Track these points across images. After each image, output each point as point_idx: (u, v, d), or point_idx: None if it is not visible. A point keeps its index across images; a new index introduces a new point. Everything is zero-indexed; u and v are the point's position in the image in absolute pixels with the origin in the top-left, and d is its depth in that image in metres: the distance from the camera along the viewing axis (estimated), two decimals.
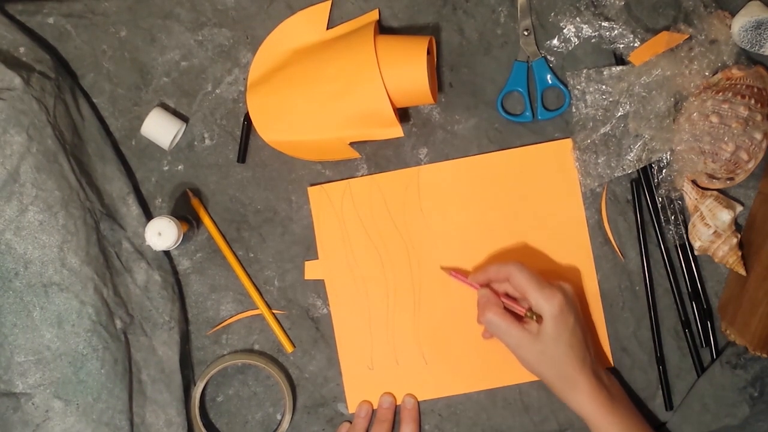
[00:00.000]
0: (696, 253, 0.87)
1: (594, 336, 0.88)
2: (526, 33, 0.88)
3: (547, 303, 0.79)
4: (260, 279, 0.89)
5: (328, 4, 0.88)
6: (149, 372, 0.84)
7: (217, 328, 0.89)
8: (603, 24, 0.86)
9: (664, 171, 0.86)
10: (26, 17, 0.88)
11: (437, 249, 0.89)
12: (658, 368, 0.88)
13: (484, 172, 0.89)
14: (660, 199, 0.88)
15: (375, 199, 0.89)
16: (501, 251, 0.88)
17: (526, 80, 0.88)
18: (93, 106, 0.88)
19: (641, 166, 0.86)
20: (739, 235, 0.86)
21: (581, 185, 0.88)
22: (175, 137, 0.88)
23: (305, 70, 0.85)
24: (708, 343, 0.88)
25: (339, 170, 0.89)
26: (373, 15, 0.88)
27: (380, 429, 0.87)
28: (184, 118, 0.89)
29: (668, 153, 0.86)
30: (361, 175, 0.89)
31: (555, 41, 0.88)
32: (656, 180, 0.87)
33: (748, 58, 0.87)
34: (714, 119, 0.82)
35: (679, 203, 0.88)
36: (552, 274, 0.88)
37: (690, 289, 0.88)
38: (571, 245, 0.88)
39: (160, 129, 0.86)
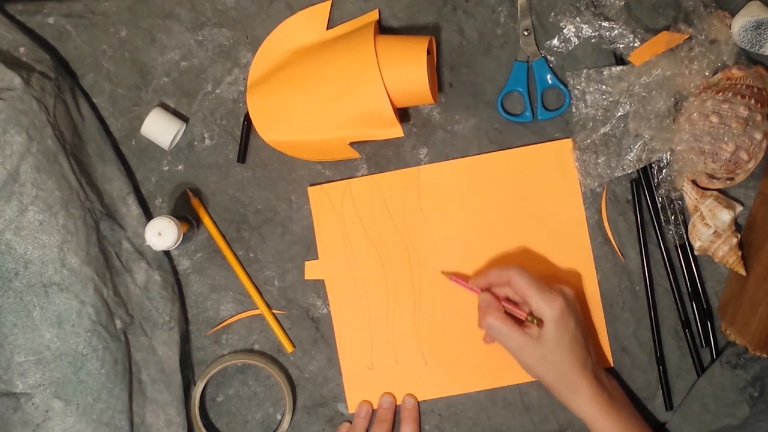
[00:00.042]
0: (696, 253, 0.87)
1: (594, 337, 0.88)
2: (526, 33, 0.88)
3: (548, 307, 0.79)
4: (260, 279, 0.89)
5: (328, 4, 0.89)
6: (149, 372, 0.84)
7: (217, 328, 0.89)
8: (603, 24, 0.86)
9: (664, 171, 0.86)
10: (26, 17, 0.88)
11: (437, 249, 0.89)
12: (658, 368, 0.88)
13: (484, 172, 0.89)
14: (660, 199, 0.88)
15: (375, 199, 0.89)
16: (501, 251, 0.88)
17: (526, 80, 0.88)
18: (93, 106, 0.88)
19: (641, 166, 0.86)
20: (739, 235, 0.86)
21: (581, 185, 0.88)
22: (175, 137, 0.88)
23: (305, 70, 0.85)
24: (708, 343, 0.88)
25: (339, 170, 0.89)
26: (373, 15, 0.88)
27: (380, 429, 0.87)
28: (184, 118, 0.89)
29: (668, 153, 0.86)
30: (361, 175, 0.89)
31: (555, 41, 0.88)
32: (656, 180, 0.87)
33: (748, 58, 0.87)
34: (714, 119, 0.82)
35: (679, 203, 0.88)
36: (552, 275, 0.88)
37: (690, 289, 0.88)
38: (571, 245, 0.88)
39: (160, 129, 0.86)
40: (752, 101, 0.82)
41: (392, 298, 0.89)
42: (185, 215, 0.88)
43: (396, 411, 0.89)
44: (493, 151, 0.89)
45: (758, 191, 0.88)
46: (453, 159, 0.89)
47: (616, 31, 0.86)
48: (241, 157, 0.89)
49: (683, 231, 0.87)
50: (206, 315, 0.89)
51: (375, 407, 0.89)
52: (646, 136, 0.85)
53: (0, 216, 0.77)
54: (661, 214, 0.88)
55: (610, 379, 0.83)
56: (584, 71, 0.87)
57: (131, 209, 0.85)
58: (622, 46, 0.86)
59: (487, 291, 0.84)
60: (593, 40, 0.88)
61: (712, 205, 0.85)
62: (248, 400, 0.89)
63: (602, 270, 0.89)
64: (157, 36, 0.89)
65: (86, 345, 0.79)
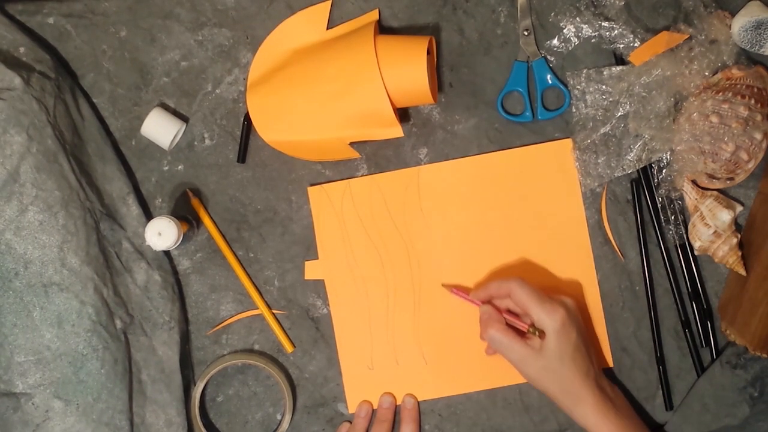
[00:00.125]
0: (696, 253, 0.87)
1: (595, 343, 0.88)
2: (526, 33, 0.88)
3: (549, 318, 0.79)
4: (260, 279, 0.89)
5: (328, 4, 0.89)
6: (149, 372, 0.84)
7: (217, 328, 0.89)
8: (603, 24, 0.86)
9: (664, 171, 0.86)
10: (26, 17, 0.88)
11: (437, 249, 0.89)
12: (658, 368, 0.88)
13: (484, 172, 0.89)
14: (660, 199, 0.88)
15: (375, 199, 0.89)
16: (501, 251, 0.88)
17: (526, 80, 0.88)
18: (93, 106, 0.88)
19: (641, 166, 0.86)
20: (739, 235, 0.86)
21: (581, 185, 0.88)
22: (175, 137, 0.88)
23: (305, 70, 0.85)
24: (708, 343, 0.88)
25: (339, 170, 0.89)
26: (373, 15, 0.88)
27: (380, 429, 0.87)
28: (184, 118, 0.89)
29: (668, 153, 0.86)
30: (361, 175, 0.89)
31: (555, 41, 0.88)
32: (656, 180, 0.87)
33: (748, 58, 0.87)
34: (714, 119, 0.82)
35: (679, 203, 0.88)
36: (552, 276, 0.88)
37: (690, 289, 0.88)
38: (571, 245, 0.88)
39: (160, 129, 0.86)
40: (752, 101, 0.82)
41: (392, 298, 0.89)
42: (185, 215, 0.88)
43: (396, 411, 0.89)
44: (493, 151, 0.89)
45: (758, 191, 0.88)
46: (453, 159, 0.89)
47: (616, 31, 0.86)
48: (241, 157, 0.88)
49: (683, 231, 0.87)
50: (206, 315, 0.89)
51: (375, 407, 0.89)
52: (646, 136, 0.85)
53: (0, 216, 0.77)
54: (661, 214, 0.88)
55: (613, 387, 0.83)
56: (584, 71, 0.87)
57: (131, 209, 0.85)
58: (622, 46, 0.86)
59: (488, 303, 0.84)
60: (593, 40, 0.88)
61: (712, 205, 0.85)
62: (248, 400, 0.89)
63: (602, 270, 0.89)
64: (157, 36, 0.89)
65: (86, 345, 0.79)
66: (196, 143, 0.89)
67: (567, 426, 0.88)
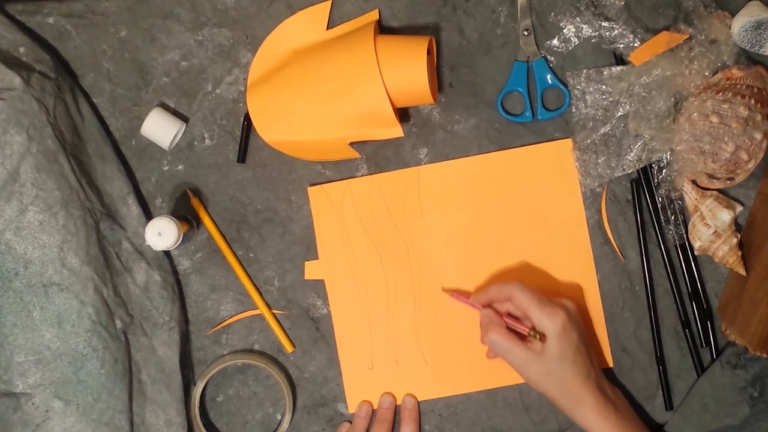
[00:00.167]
0: (696, 253, 0.87)
1: (595, 341, 0.88)
2: (526, 33, 0.88)
3: (549, 321, 0.79)
4: (260, 279, 0.89)
5: (328, 4, 0.89)
6: (149, 372, 0.84)
7: (217, 328, 0.89)
8: (603, 24, 0.86)
9: (664, 171, 0.86)
10: (26, 17, 0.88)
11: (437, 249, 0.89)
12: (658, 368, 0.88)
13: (484, 172, 0.89)
14: (660, 199, 0.88)
15: (375, 199, 0.89)
16: (501, 252, 0.88)
17: (526, 80, 0.88)
18: (93, 106, 0.88)
19: (641, 166, 0.86)
20: (739, 235, 0.86)
21: (581, 185, 0.88)
22: (175, 137, 0.88)
23: (305, 70, 0.85)
24: (708, 343, 0.88)
25: (339, 170, 0.89)
26: (373, 15, 0.88)
27: (380, 429, 0.87)
28: (184, 118, 0.89)
29: (668, 153, 0.86)
30: (361, 175, 0.89)
31: (555, 41, 0.88)
32: (656, 180, 0.87)
33: (748, 58, 0.87)
34: (714, 119, 0.82)
35: (679, 203, 0.88)
36: (552, 277, 0.88)
37: (690, 289, 0.88)
38: (571, 245, 0.88)
39: (160, 129, 0.86)
40: (752, 101, 0.82)
41: (392, 298, 0.89)
42: (185, 215, 0.88)
43: (396, 411, 0.89)
44: (493, 151, 0.89)
45: (758, 191, 0.88)
46: (453, 159, 0.89)
47: (616, 31, 0.86)
48: (241, 157, 0.89)
49: (683, 231, 0.87)
50: (206, 315, 0.89)
51: (375, 407, 0.89)
52: (646, 136, 0.85)
53: (0, 216, 0.77)
54: (661, 214, 0.88)
55: (615, 390, 0.83)
56: (584, 71, 0.87)
57: (131, 209, 0.85)
58: (622, 46, 0.86)
59: (489, 307, 0.84)
60: (593, 40, 0.88)
61: (712, 205, 0.85)
62: (248, 400, 0.89)
63: (602, 270, 0.89)
64: (157, 36, 0.89)
65: (86, 345, 0.79)
66: (196, 143, 0.89)
67: (567, 426, 0.88)
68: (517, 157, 0.88)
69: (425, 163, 0.89)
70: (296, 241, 0.89)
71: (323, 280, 0.89)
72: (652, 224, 0.88)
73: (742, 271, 0.84)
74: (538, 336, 0.80)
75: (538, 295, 0.80)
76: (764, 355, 0.82)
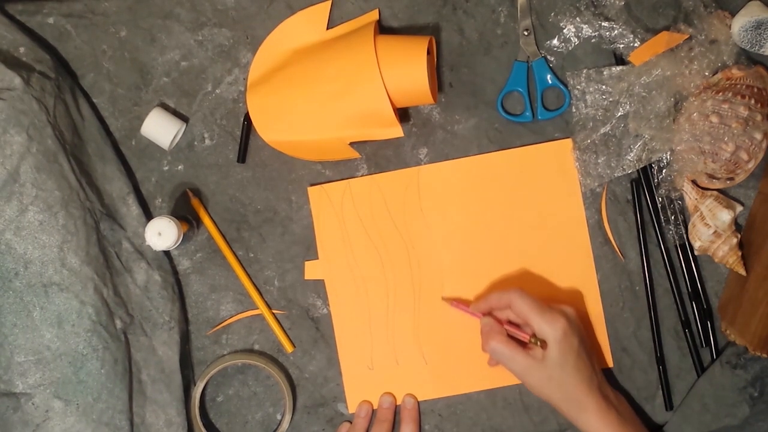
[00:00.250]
0: (696, 253, 0.87)
1: (595, 341, 0.88)
2: (526, 33, 0.88)
3: (550, 328, 0.79)
4: (260, 279, 0.89)
5: (328, 4, 0.89)
6: (149, 372, 0.84)
7: (217, 328, 0.89)
8: (603, 24, 0.86)
9: (664, 171, 0.86)
10: (26, 17, 0.88)
11: (437, 249, 0.89)
12: (658, 368, 0.88)
13: (484, 172, 0.89)
14: (660, 199, 0.88)
15: (375, 199, 0.89)
16: (501, 252, 0.88)
17: (526, 80, 0.88)
18: (93, 106, 0.88)
19: (641, 166, 0.86)
20: (739, 235, 0.86)
21: (581, 185, 0.88)
22: (175, 137, 0.88)
23: (305, 70, 0.85)
24: (708, 343, 0.88)
25: (339, 170, 0.89)
26: (373, 15, 0.89)
27: (380, 429, 0.87)
28: (184, 118, 0.89)
29: (668, 153, 0.86)
30: (361, 175, 0.89)
31: (555, 41, 0.88)
32: (656, 180, 0.87)
33: (748, 58, 0.87)
34: (714, 119, 0.82)
35: (679, 203, 0.88)
36: (552, 277, 0.88)
37: (690, 289, 0.88)
38: (571, 245, 0.88)
39: (160, 129, 0.86)
40: (752, 101, 0.82)
41: (392, 298, 0.89)
42: (185, 215, 0.88)
43: (396, 411, 0.89)
44: (493, 151, 0.89)
45: (758, 191, 0.88)
46: (453, 159, 0.89)
47: (616, 31, 0.86)
48: (241, 157, 0.89)
49: (683, 231, 0.87)
50: (206, 315, 0.89)
51: (375, 407, 0.89)
52: (646, 136, 0.85)
53: (0, 216, 0.77)
54: (661, 214, 0.88)
55: (617, 394, 0.83)
56: (584, 71, 0.87)
57: (131, 209, 0.85)
58: (622, 46, 0.86)
59: (489, 315, 0.84)
60: (593, 40, 0.88)
61: (712, 205, 0.85)
62: (248, 400, 0.89)
63: (602, 270, 0.89)
64: (157, 36, 0.89)
65: (86, 345, 0.79)
66: (196, 143, 0.89)
67: (567, 426, 0.88)
68: (517, 157, 0.88)
69: (425, 163, 0.89)
70: (296, 241, 0.89)
71: (323, 280, 0.89)
72: (652, 224, 0.88)
73: (742, 271, 0.84)
74: (539, 343, 0.80)
75: (538, 302, 0.80)
76: (764, 355, 0.82)
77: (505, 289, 0.82)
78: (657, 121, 0.85)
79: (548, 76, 0.88)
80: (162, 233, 0.80)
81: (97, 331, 0.79)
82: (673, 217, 0.87)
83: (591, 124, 0.87)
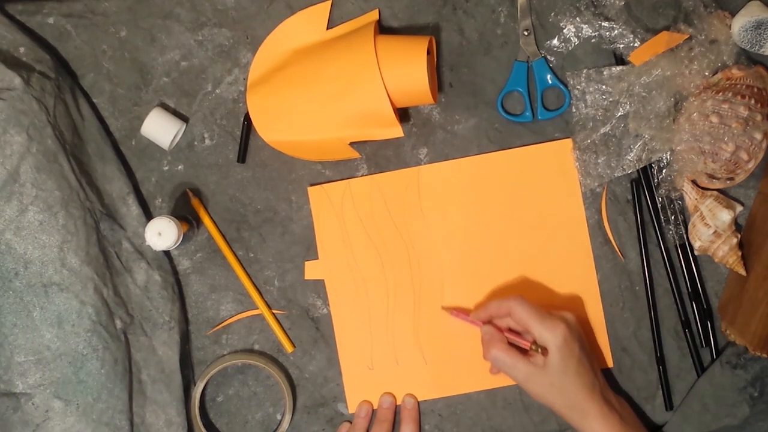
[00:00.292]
0: (696, 253, 0.87)
1: (594, 341, 0.88)
2: (526, 33, 0.88)
3: (550, 334, 0.79)
4: (260, 279, 0.89)
5: (328, 4, 0.89)
6: (149, 372, 0.84)
7: (217, 328, 0.89)
8: (603, 24, 0.86)
9: (664, 171, 0.86)
10: (26, 17, 0.88)
11: (437, 249, 0.89)
12: (658, 368, 0.88)
13: (484, 172, 0.89)
14: (660, 199, 0.88)
15: (375, 199, 0.89)
16: (501, 252, 0.88)
17: (526, 80, 0.88)
18: (93, 106, 0.88)
19: (641, 166, 0.86)
20: (739, 235, 0.86)
21: (581, 185, 0.88)
22: (175, 137, 0.88)
23: (305, 70, 0.85)
24: (708, 343, 0.88)
25: (339, 170, 0.89)
26: (373, 15, 0.89)
27: (380, 429, 0.87)
28: (184, 118, 0.89)
29: (668, 153, 0.86)
30: (361, 175, 0.89)
31: (555, 41, 0.88)
32: (656, 180, 0.87)
33: (748, 58, 0.87)
34: (714, 119, 0.82)
35: (679, 203, 0.88)
36: (552, 277, 0.88)
37: (690, 289, 0.88)
38: (571, 245, 0.88)
39: (160, 129, 0.86)
40: (752, 101, 0.82)
41: (392, 298, 0.89)
42: (185, 215, 0.88)
43: (396, 411, 0.89)
44: (493, 151, 0.89)
45: (758, 191, 0.88)
46: (453, 159, 0.89)
47: (616, 31, 0.86)
48: (241, 157, 0.89)
49: (683, 231, 0.87)
50: (206, 315, 0.89)
51: (375, 407, 0.89)
52: (646, 136, 0.85)
53: (0, 216, 0.77)
54: (661, 214, 0.88)
55: (619, 399, 0.83)
56: (584, 71, 0.87)
57: (131, 209, 0.85)
58: (622, 46, 0.86)
59: (489, 323, 0.84)
60: (593, 40, 0.88)
61: (712, 205, 0.85)
62: (248, 400, 0.89)
63: (602, 270, 0.89)
64: (157, 36, 0.89)
65: (86, 345, 0.79)
66: (196, 143, 0.89)
67: (567, 426, 0.88)
68: (517, 157, 0.88)
69: (425, 163, 0.89)
70: (296, 241, 0.89)
71: (323, 280, 0.89)
72: (652, 224, 0.88)
73: (742, 271, 0.84)
74: (539, 350, 0.80)
75: (538, 309, 0.80)
76: (764, 355, 0.82)
77: (504, 297, 0.82)
78: (657, 121, 0.85)
79: (548, 76, 0.88)
80: (162, 233, 0.80)
81: (97, 331, 0.79)
82: (673, 217, 0.87)
83: (591, 124, 0.87)
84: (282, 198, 0.89)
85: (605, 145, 0.87)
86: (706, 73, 0.84)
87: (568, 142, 0.88)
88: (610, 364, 0.88)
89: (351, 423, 0.89)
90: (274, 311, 0.89)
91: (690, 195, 0.86)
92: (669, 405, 0.88)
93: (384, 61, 0.81)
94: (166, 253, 0.88)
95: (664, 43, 0.84)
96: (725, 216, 0.84)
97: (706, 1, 0.86)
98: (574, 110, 0.87)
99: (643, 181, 0.88)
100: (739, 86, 0.83)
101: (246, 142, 0.89)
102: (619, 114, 0.86)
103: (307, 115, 0.84)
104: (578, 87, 0.87)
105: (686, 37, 0.84)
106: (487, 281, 0.88)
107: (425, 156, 0.89)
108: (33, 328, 0.78)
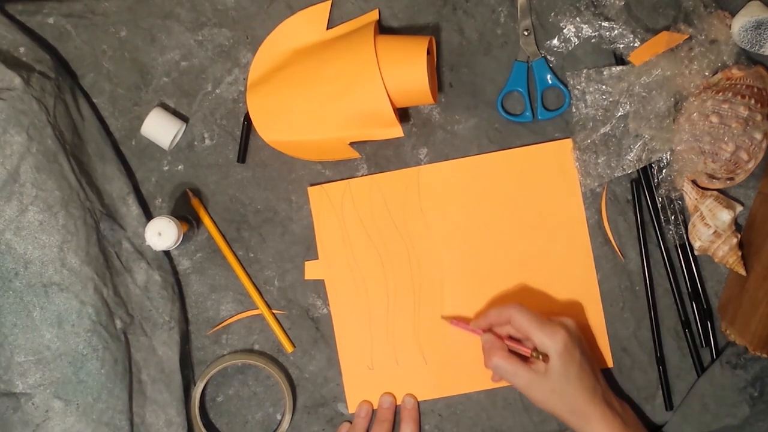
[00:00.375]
0: (696, 253, 0.87)
1: (594, 342, 0.88)
2: (526, 33, 0.88)
3: (551, 341, 0.79)
4: (260, 279, 0.89)
5: (328, 4, 0.89)
6: (149, 372, 0.84)
7: (217, 328, 0.89)
8: (603, 24, 0.86)
9: (664, 171, 0.86)
10: (26, 17, 0.88)
11: (437, 249, 0.89)
12: (658, 368, 0.88)
13: (484, 172, 0.89)
14: (660, 199, 0.88)
15: (375, 199, 0.89)
16: (501, 252, 0.88)
17: (526, 80, 0.88)
18: (93, 106, 0.88)
19: (641, 166, 0.86)
20: (739, 235, 0.86)
21: (581, 185, 0.88)
22: (175, 137, 0.88)
23: (305, 70, 0.85)
24: (708, 343, 0.88)
25: (339, 170, 0.89)
26: (373, 15, 0.89)
27: (380, 429, 0.87)
28: (184, 118, 0.89)
29: (668, 153, 0.86)
30: (361, 175, 0.89)
31: (555, 41, 0.88)
32: (656, 180, 0.87)
33: (748, 58, 0.87)
34: (714, 119, 0.82)
35: (679, 203, 0.88)
36: (552, 278, 0.88)
37: (690, 289, 0.88)
38: (571, 245, 0.88)
39: (160, 129, 0.86)
40: (752, 101, 0.82)
41: (392, 298, 0.89)
42: (185, 215, 0.88)
43: (396, 411, 0.89)
44: (493, 151, 0.89)
45: (758, 191, 0.88)
46: (453, 159, 0.89)
47: (616, 31, 0.86)
48: (241, 157, 0.89)
49: (683, 231, 0.87)
50: (206, 315, 0.89)
51: (375, 407, 0.89)
52: (646, 136, 0.85)
53: (0, 216, 0.77)
54: (661, 214, 0.88)
55: (621, 403, 0.83)
56: (584, 71, 0.87)
57: (131, 209, 0.85)
58: (622, 46, 0.86)
59: (489, 331, 0.84)
60: (593, 40, 0.88)
61: (712, 205, 0.85)
62: (248, 400, 0.89)
63: (602, 270, 0.89)
64: (157, 36, 0.89)
65: (86, 345, 0.79)
66: (196, 143, 0.89)
67: (567, 426, 0.88)
68: (517, 157, 0.88)
69: (425, 163, 0.89)
70: (296, 241, 0.89)
71: (323, 280, 0.89)
72: (652, 224, 0.88)
73: (742, 271, 0.84)
74: (540, 357, 0.80)
75: (538, 316, 0.80)
76: (764, 355, 0.82)
77: (504, 305, 0.82)
78: (657, 121, 0.85)
79: (548, 76, 0.88)
80: (162, 233, 0.80)
81: (97, 331, 0.79)
82: (673, 217, 0.87)
83: (591, 124, 0.87)
84: (282, 198, 0.89)
85: (605, 145, 0.87)
86: (706, 73, 0.84)
87: (568, 142, 0.88)
88: (610, 364, 0.88)
89: (351, 423, 0.89)
90: (274, 311, 0.89)
91: (690, 195, 0.86)
92: (669, 405, 0.88)
93: (384, 61, 0.81)
94: (166, 253, 0.88)
95: (664, 43, 0.84)
96: (725, 216, 0.84)
97: (706, 1, 0.86)
98: (574, 110, 0.87)
99: (643, 181, 0.88)
100: (739, 86, 0.83)
101: (246, 142, 0.89)
102: (619, 114, 0.86)
103: (307, 115, 0.84)
104: (578, 87, 0.87)
105: (686, 37, 0.84)
106: (487, 282, 0.88)
107: (425, 156, 0.89)
108: (33, 328, 0.78)
